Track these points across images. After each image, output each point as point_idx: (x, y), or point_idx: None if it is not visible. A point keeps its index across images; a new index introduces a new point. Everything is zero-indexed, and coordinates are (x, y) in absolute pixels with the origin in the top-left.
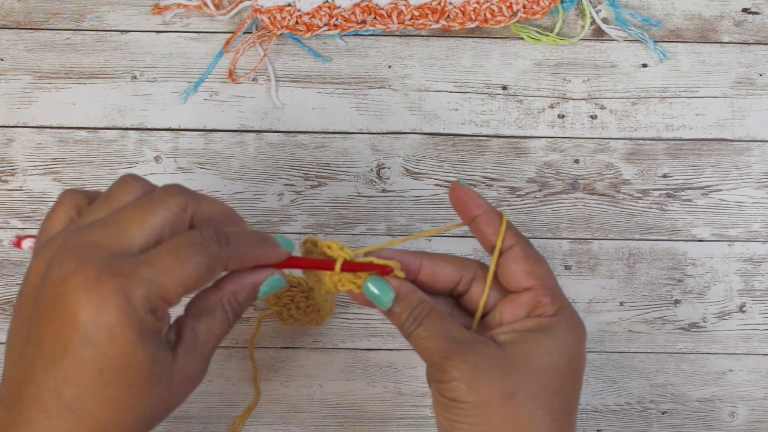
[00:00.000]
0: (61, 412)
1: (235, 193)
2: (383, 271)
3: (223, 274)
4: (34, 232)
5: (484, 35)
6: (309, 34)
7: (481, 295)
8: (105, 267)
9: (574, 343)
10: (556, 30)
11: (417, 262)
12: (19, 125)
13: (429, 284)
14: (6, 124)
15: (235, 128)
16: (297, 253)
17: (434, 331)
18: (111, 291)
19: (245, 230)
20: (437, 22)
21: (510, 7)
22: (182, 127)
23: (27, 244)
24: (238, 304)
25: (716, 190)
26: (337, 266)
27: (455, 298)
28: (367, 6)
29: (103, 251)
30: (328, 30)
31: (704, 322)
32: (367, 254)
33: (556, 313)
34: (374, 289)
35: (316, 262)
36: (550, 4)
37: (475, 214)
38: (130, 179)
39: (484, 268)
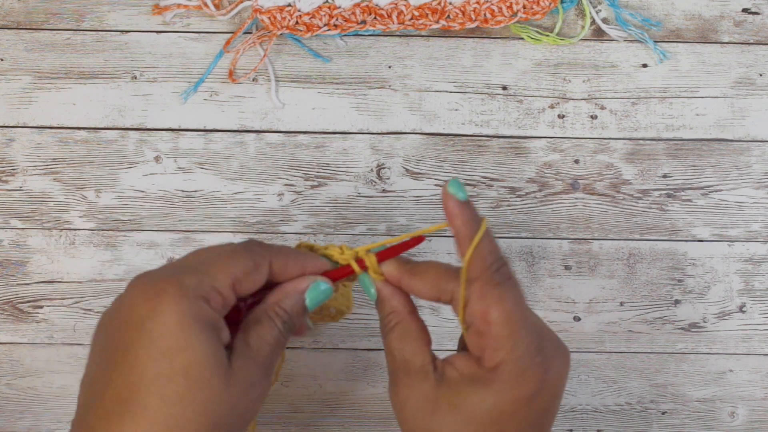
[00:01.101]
0: (126, 417)
1: (235, 193)
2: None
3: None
4: (34, 231)
5: (484, 35)
6: (309, 34)
7: (467, 305)
8: (163, 274)
9: (506, 402)
10: (556, 30)
11: (397, 277)
12: (19, 125)
13: (413, 294)
14: (6, 124)
15: (235, 128)
16: None
17: (392, 348)
18: (165, 285)
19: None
20: (437, 22)
21: (510, 7)
22: (182, 127)
23: None
24: (285, 312)
25: (716, 190)
26: (356, 268)
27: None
28: (367, 6)
29: (170, 269)
30: (328, 30)
31: (704, 322)
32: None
33: (496, 367)
34: (366, 284)
35: (339, 272)
36: (550, 4)
37: (453, 230)
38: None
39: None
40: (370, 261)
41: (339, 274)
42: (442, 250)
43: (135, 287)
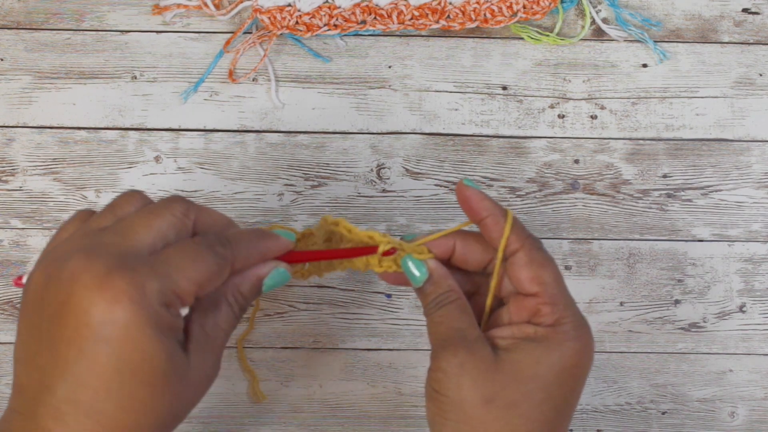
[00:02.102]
0: (79, 418)
1: (235, 193)
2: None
3: None
4: (35, 231)
5: (484, 35)
6: (309, 34)
7: (511, 275)
8: (116, 263)
9: (569, 355)
10: (556, 30)
11: (450, 243)
12: (19, 125)
13: (461, 265)
14: (6, 124)
15: (235, 128)
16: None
17: (447, 318)
18: (124, 285)
19: (245, 230)
20: (437, 22)
21: (510, 7)
22: (182, 127)
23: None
24: (242, 297)
25: (716, 190)
26: (401, 247)
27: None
28: (367, 6)
29: (112, 248)
30: (328, 30)
31: (704, 322)
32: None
33: (554, 323)
34: (412, 267)
35: (320, 253)
36: (550, 4)
37: (480, 218)
38: (133, 192)
39: None
40: (409, 246)
41: (322, 256)
42: None
43: (84, 274)
